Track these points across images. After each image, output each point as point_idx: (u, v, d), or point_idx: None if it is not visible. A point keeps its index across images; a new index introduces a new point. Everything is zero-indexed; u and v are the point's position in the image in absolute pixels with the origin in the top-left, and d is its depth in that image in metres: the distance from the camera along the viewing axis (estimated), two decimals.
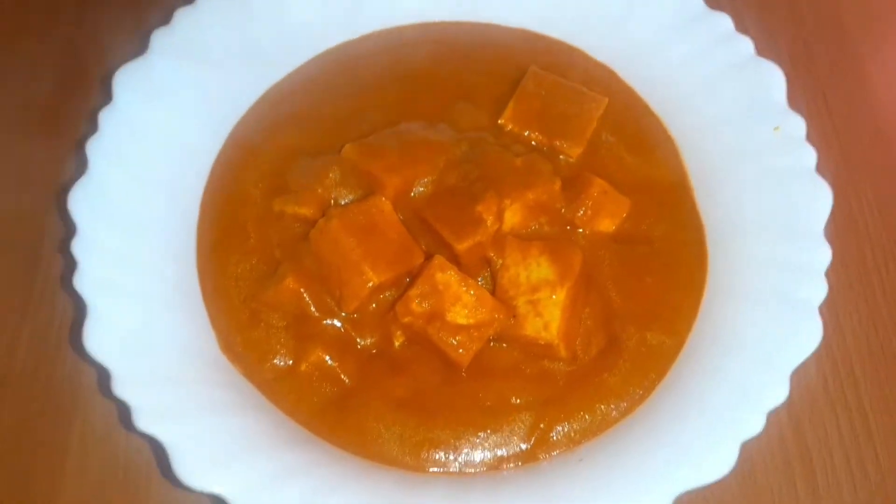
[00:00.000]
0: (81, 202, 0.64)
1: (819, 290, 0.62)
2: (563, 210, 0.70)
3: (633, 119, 0.78)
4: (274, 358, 0.66)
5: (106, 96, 0.70)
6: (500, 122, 0.76)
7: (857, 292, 0.78)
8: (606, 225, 0.71)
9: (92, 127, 0.69)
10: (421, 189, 0.70)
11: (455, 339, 0.63)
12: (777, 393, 0.59)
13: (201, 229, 0.72)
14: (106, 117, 0.68)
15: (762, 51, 0.75)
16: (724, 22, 0.76)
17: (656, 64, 0.79)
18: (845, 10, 0.93)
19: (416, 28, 0.84)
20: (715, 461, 0.57)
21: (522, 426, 0.64)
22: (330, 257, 0.65)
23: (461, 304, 0.63)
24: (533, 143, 0.75)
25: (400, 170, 0.69)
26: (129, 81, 0.71)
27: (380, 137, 0.72)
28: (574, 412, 0.64)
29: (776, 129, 0.70)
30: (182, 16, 0.75)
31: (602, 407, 0.65)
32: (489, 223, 0.66)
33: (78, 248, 0.62)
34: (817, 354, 0.61)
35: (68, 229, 0.65)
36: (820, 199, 0.66)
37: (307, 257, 0.66)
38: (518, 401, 0.65)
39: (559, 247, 0.66)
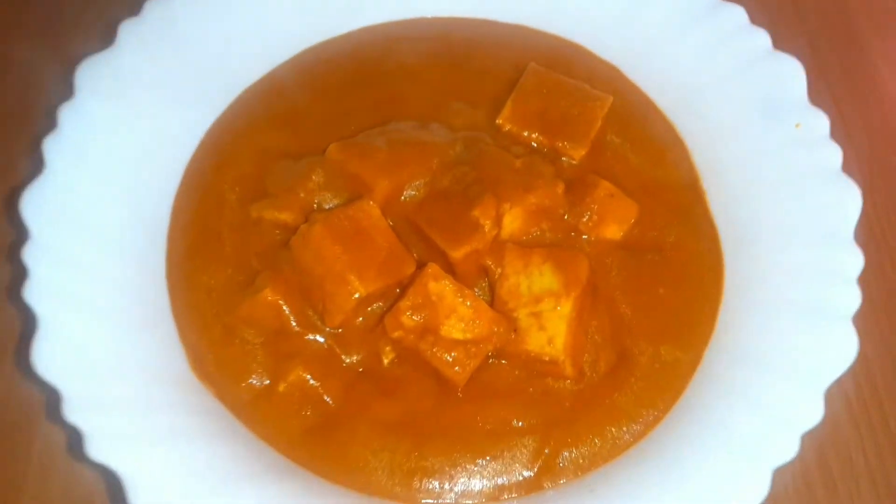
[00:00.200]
0: (35, 205, 0.62)
1: (852, 299, 0.60)
2: (566, 216, 0.69)
3: (639, 118, 0.77)
4: (249, 378, 0.64)
5: (67, 90, 0.67)
6: (497, 121, 0.74)
7: (877, 303, 0.75)
8: (613, 231, 0.70)
9: (50, 123, 0.66)
10: (412, 192, 0.69)
11: (450, 356, 0.61)
12: (811, 413, 0.56)
13: (172, 237, 0.70)
14: (66, 113, 0.66)
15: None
16: (738, 14, 0.74)
17: (665, 60, 0.78)
18: (853, 11, 0.93)
19: (409, 24, 0.83)
20: (745, 491, 0.54)
21: (525, 451, 0.62)
22: (312, 267, 0.63)
23: (457, 316, 0.61)
24: (533, 144, 0.74)
25: (389, 171, 0.68)
26: (94, 75, 0.68)
27: (367, 137, 0.71)
28: (582, 436, 0.63)
29: (797, 126, 0.69)
30: (153, 6, 0.73)
31: (613, 430, 0.63)
32: (487, 228, 0.65)
33: (29, 255, 0.60)
34: None
35: (19, 234, 0.62)
36: (848, 199, 0.64)
37: (287, 267, 0.64)
38: (520, 423, 0.63)
39: (564, 254, 0.65)
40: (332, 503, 0.59)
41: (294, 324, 0.64)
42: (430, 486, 0.61)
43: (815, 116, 0.68)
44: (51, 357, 0.56)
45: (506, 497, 0.61)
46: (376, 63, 0.79)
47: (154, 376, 0.60)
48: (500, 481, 0.61)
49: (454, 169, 0.69)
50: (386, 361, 0.64)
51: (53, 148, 0.64)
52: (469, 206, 0.65)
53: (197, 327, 0.65)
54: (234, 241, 0.68)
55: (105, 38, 0.71)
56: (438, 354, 0.61)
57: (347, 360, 0.64)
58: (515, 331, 0.62)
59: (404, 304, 0.61)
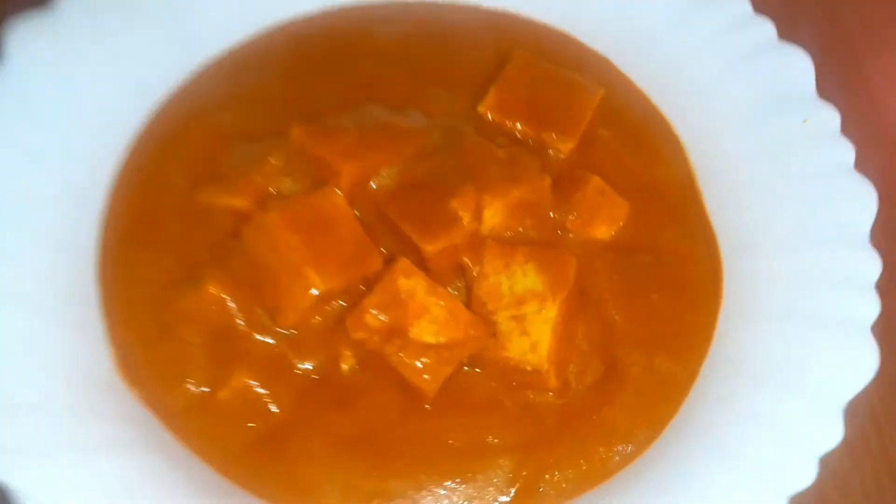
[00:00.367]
0: None
1: (871, 307, 0.57)
2: (551, 213, 0.66)
3: (632, 112, 0.74)
4: (185, 382, 0.59)
5: None
6: (479, 109, 0.70)
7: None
8: (602, 231, 0.67)
9: None
10: (383, 181, 0.64)
11: (420, 362, 0.58)
12: (829, 433, 0.53)
13: (108, 222, 0.65)
14: None
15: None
16: (740, 2, 0.72)
17: (659, 51, 0.74)
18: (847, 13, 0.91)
19: (387, 7, 0.79)
20: None
21: (501, 474, 0.59)
22: (266, 258, 0.59)
23: (429, 317, 0.58)
24: (518, 135, 0.70)
25: (358, 156, 0.63)
26: (26, 37, 0.63)
27: (335, 119, 0.67)
28: (566, 457, 0.60)
29: (805, 121, 0.66)
30: None
31: (601, 450, 0.60)
32: (465, 222, 0.62)
33: None
34: None
35: None
36: (862, 199, 0.62)
37: (237, 259, 0.60)
38: (496, 441, 0.60)
39: (549, 253, 0.62)
40: None
41: (241, 322, 0.60)
42: None
43: (824, 111, 0.66)
44: None
45: None
46: (350, 44, 0.74)
47: (70, 378, 0.54)
48: None
49: (430, 159, 0.64)
50: (345, 368, 0.60)
51: None
52: (446, 197, 0.61)
53: (127, 323, 0.60)
54: (178, 229, 0.63)
55: None
56: (406, 360, 0.57)
57: (301, 366, 0.60)
58: (494, 335, 0.59)
59: (370, 301, 0.57)
